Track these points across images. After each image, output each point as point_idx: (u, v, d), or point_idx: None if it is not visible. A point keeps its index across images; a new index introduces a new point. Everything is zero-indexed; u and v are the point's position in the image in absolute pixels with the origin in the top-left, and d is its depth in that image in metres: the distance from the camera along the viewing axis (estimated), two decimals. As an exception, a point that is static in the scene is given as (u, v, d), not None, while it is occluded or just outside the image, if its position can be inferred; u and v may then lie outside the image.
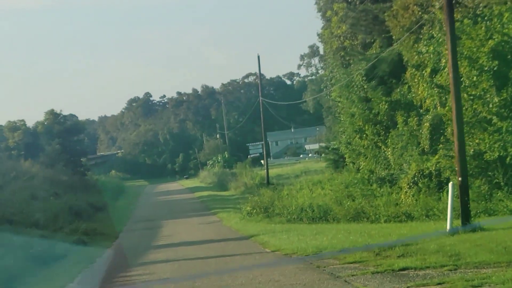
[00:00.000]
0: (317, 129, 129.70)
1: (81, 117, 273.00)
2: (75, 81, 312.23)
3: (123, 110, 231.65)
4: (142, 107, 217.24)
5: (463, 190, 22.96)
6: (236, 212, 47.68)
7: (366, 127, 46.92)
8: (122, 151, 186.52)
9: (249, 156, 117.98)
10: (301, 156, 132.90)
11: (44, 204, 48.42)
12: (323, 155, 77.08)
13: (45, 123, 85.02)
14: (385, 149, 45.51)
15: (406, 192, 38.01)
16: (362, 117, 47.53)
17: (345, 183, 49.61)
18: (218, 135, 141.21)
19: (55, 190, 59.70)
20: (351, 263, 19.53)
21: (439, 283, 14.55)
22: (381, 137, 45.86)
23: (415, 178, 37.86)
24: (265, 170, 70.06)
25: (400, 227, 29.86)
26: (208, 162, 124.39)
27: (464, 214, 22.76)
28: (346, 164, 57.28)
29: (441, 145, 37.47)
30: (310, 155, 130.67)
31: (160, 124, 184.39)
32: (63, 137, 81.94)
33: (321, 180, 58.56)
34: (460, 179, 22.96)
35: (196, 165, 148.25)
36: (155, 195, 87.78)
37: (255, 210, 42.29)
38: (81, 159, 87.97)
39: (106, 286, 21.44)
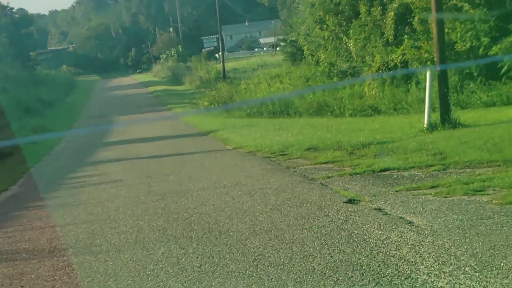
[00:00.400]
0: (272, 22, 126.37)
1: (31, 11, 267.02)
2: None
3: (74, 4, 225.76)
4: (94, 1, 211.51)
5: (442, 80, 20.81)
6: (192, 107, 45.45)
7: (327, 17, 44.33)
8: (73, 45, 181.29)
9: (203, 50, 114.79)
10: (256, 50, 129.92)
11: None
12: (278, 48, 74.41)
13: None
14: (346, 40, 43.18)
15: (369, 84, 36.02)
16: (322, 7, 44.89)
17: (305, 76, 47.43)
18: (171, 29, 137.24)
19: (2, 85, 56.69)
20: (324, 163, 17.52)
21: (433, 187, 12.52)
22: (342, 28, 43.41)
23: (380, 71, 35.82)
24: (221, 64, 67.39)
25: (368, 121, 27.88)
26: (161, 56, 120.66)
27: (444, 108, 20.65)
28: (305, 57, 55.03)
29: (406, 36, 35.43)
30: (265, 48, 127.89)
31: (112, 18, 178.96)
32: (11, 30, 78.23)
33: (279, 73, 56.17)
34: (438, 68, 20.77)
35: (149, 59, 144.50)
36: (108, 90, 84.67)
37: (212, 105, 39.97)
38: (30, 53, 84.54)
39: (52, 189, 19.10)
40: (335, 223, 10.47)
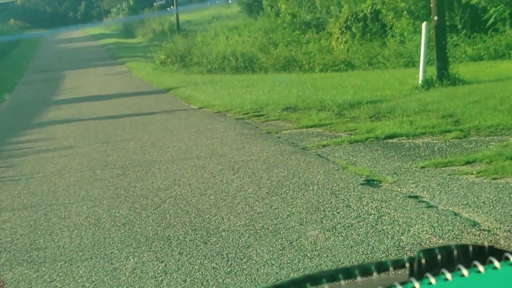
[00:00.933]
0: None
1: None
2: None
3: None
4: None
5: (440, 32, 18.05)
6: (147, 61, 42.14)
7: (288, -38, 41.58)
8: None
9: (155, 3, 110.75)
10: (208, 2, 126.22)
11: None
12: None
13: None
14: (310, -12, 40.41)
15: (337, 38, 33.29)
16: None
17: (265, 29, 44.41)
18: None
19: None
20: (310, 127, 14.85)
21: (468, 162, 9.82)
22: (305, -26, 40.61)
23: (348, 23, 33.11)
24: (175, 15, 63.85)
25: (345, 77, 25.16)
26: (112, 9, 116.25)
27: (441, 61, 17.92)
28: (263, 8, 52.02)
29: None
30: (217, 1, 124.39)
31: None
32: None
33: (237, 26, 53.10)
34: (435, 18, 17.99)
35: (99, 13, 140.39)
36: (56, 43, 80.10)
37: (169, 59, 36.49)
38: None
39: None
40: (366, 221, 7.57)
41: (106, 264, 7.12)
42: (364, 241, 6.94)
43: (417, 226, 7.20)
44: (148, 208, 9.26)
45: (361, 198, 8.54)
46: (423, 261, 1.19)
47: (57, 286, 6.67)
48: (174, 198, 9.69)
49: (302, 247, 6.93)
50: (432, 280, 1.10)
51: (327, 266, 6.30)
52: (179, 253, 7.17)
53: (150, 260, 7.06)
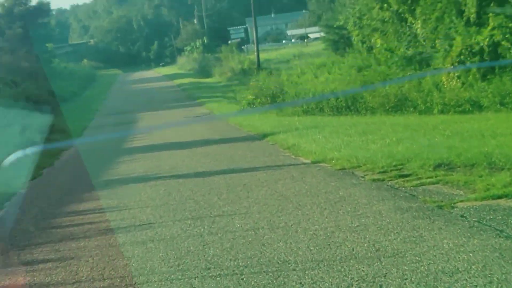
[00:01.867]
0: (303, 11, 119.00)
1: (53, 6, 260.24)
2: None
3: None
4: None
5: None
6: (229, 102, 37.83)
7: (389, -6, 36.87)
8: (94, 39, 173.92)
9: (229, 42, 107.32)
10: (283, 42, 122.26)
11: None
12: (319, 36, 66.51)
13: (5, 4, 73.02)
14: (412, 21, 35.48)
15: (449, 73, 28.36)
16: (384, -20, 37.47)
17: (357, 66, 39.70)
18: (195, 20, 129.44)
19: (12, 78, 49.18)
20: (499, 197, 10.05)
21: None
22: (407, 7, 35.67)
23: (462, 57, 28.23)
24: (255, 53, 59.65)
25: (482, 120, 20.12)
26: (185, 48, 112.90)
27: None
28: (352, 45, 47.47)
29: (491, 14, 28.12)
30: (293, 40, 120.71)
31: (134, 11, 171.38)
32: (26, 20, 70.75)
33: (324, 63, 48.46)
34: None
35: (172, 52, 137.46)
36: (130, 83, 76.65)
37: (258, 100, 31.87)
38: (47, 45, 77.02)
39: (30, 242, 11.35)
40: None
41: None
42: None
43: None
44: None
45: None
46: None
47: None
48: None
49: None
50: None
51: None
52: None
53: None
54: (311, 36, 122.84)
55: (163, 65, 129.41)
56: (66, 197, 15.35)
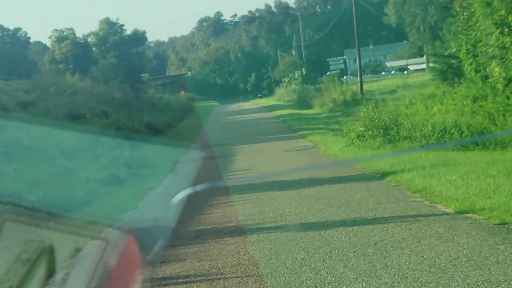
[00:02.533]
0: (404, 42, 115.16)
1: (151, 38, 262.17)
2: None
3: (193, 30, 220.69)
4: (213, 26, 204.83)
5: None
6: (335, 134, 34.41)
7: (511, 18, 32.81)
8: (192, 71, 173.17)
9: (328, 73, 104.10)
10: (382, 73, 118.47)
11: (81, 125, 35.78)
12: (431, 64, 62.43)
13: (99, 33, 71.37)
14: (538, 46, 31.58)
15: None
16: (505, 4, 33.33)
17: (472, 96, 35.73)
18: (293, 51, 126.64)
19: (104, 109, 46.99)
20: None
21: None
22: (533, 31, 31.79)
23: None
24: (359, 83, 56.16)
25: None
26: (283, 79, 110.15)
27: None
28: (461, 75, 43.54)
29: None
30: (392, 72, 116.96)
31: (232, 42, 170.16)
32: (120, 49, 69.03)
33: (434, 93, 44.49)
34: None
35: (270, 84, 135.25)
36: (227, 115, 73.95)
37: (369, 132, 28.24)
38: (142, 75, 75.17)
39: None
40: None
41: None
42: None
43: None
44: None
45: None
46: None
47: None
48: None
49: None
50: None
51: None
52: None
53: None
54: (411, 67, 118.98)
55: (260, 97, 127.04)
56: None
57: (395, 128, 27.32)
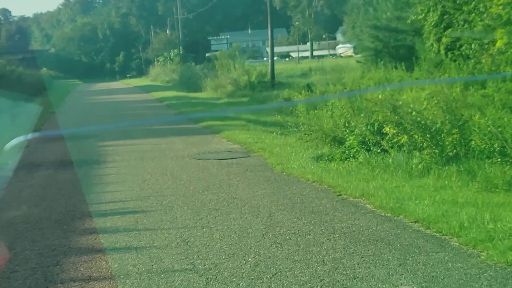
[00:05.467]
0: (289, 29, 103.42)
1: (14, 13, 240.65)
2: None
3: (60, 6, 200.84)
4: (80, 3, 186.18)
5: None
6: (265, 130, 20.52)
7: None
8: (56, 48, 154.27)
9: (207, 54, 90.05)
10: (264, 58, 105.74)
11: None
12: (365, 42, 48.35)
13: None
14: None
15: None
16: None
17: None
18: (168, 30, 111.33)
19: None
20: None
21: None
22: None
23: None
24: (269, 63, 41.79)
25: None
26: (158, 59, 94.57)
27: None
28: (409, 57, 30.26)
29: None
30: (275, 58, 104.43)
31: (100, 19, 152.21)
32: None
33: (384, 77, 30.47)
34: None
35: (139, 65, 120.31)
36: (92, 95, 57.13)
37: (405, 138, 12.97)
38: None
39: None
40: None
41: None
42: None
43: None
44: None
45: None
46: None
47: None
48: None
49: None
50: None
51: None
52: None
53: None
54: (294, 54, 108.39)
55: (130, 77, 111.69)
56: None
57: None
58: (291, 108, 22.99)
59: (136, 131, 23.28)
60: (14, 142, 5.60)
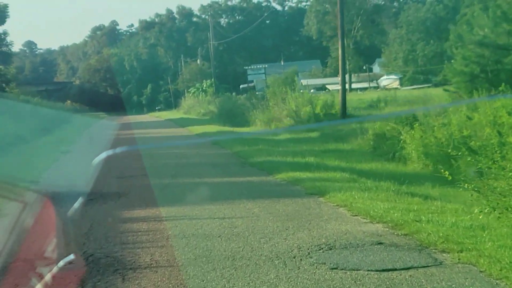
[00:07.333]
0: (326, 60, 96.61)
1: (40, 45, 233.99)
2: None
3: (86, 39, 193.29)
4: (107, 35, 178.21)
5: None
6: (400, 192, 11.99)
7: None
8: (81, 80, 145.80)
9: (242, 86, 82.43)
10: (301, 91, 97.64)
11: None
12: (455, 65, 39.59)
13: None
14: None
15: None
16: None
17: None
18: (198, 60, 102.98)
19: None
20: None
21: None
22: None
23: None
24: (340, 92, 32.67)
25: None
26: (189, 90, 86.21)
27: None
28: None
29: None
30: (312, 90, 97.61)
31: (127, 50, 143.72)
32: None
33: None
34: None
35: (167, 98, 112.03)
36: (119, 129, 47.77)
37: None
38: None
39: None
40: None
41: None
42: None
43: None
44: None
45: None
46: None
47: None
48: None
49: None
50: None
51: None
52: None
53: None
54: (331, 87, 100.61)
55: (159, 110, 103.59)
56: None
57: None
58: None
59: (176, 186, 14.53)
60: (102, 156, 6.13)
